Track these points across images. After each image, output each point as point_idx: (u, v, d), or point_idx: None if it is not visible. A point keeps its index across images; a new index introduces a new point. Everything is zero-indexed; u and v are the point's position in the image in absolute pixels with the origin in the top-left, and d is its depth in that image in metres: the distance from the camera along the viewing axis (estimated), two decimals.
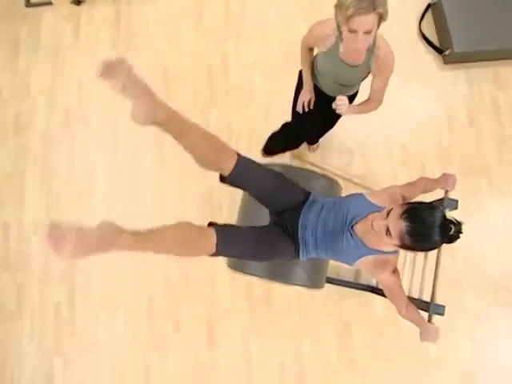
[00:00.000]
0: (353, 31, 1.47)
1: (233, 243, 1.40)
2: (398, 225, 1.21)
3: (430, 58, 3.03)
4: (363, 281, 2.65)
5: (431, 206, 1.24)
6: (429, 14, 3.10)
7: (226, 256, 1.41)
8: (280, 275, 1.88)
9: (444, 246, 1.37)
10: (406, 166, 2.84)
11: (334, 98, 2.04)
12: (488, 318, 2.59)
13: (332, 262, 2.53)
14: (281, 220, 1.63)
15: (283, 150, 2.65)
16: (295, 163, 2.82)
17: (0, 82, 3.18)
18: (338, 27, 1.60)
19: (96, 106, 3.08)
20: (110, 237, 1.10)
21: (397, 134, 2.90)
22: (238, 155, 1.44)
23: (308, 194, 1.66)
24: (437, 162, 2.84)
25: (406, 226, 1.20)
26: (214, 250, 1.33)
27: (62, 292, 2.77)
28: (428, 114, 2.93)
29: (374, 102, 1.92)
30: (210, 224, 1.41)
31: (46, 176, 2.97)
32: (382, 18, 1.46)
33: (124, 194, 2.91)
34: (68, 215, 2.88)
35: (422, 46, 3.05)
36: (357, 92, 2.14)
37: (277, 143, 2.59)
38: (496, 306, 2.60)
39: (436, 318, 1.61)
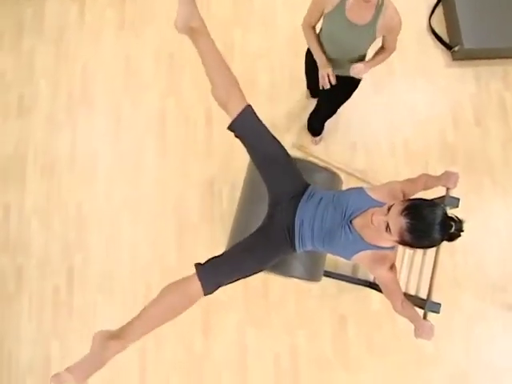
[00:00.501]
0: None
1: (220, 275, 1.41)
2: (399, 221, 1.20)
3: (437, 53, 2.99)
4: (361, 275, 2.64)
5: (432, 204, 1.23)
6: (440, 9, 3.05)
7: (221, 286, 1.42)
8: (277, 267, 1.87)
9: (444, 243, 1.36)
10: (408, 163, 2.82)
11: (340, 77, 2.06)
12: (485, 318, 2.58)
13: (330, 256, 2.52)
14: (277, 211, 1.61)
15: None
16: (297, 154, 2.80)
17: (4, 63, 3.17)
18: None
19: (100, 90, 3.06)
20: (99, 354, 1.25)
21: (400, 131, 2.88)
22: (249, 105, 1.49)
23: (307, 185, 1.64)
24: (440, 160, 2.81)
25: (407, 223, 1.19)
26: (202, 293, 1.37)
27: (60, 275, 2.78)
28: (433, 112, 2.90)
29: (387, 52, 1.97)
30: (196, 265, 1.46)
31: (48, 159, 2.97)
32: None
33: (125, 179, 2.90)
34: (69, 199, 2.88)
35: (430, 40, 3.01)
36: None
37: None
38: (493, 307, 2.59)
39: (434, 317, 1.60)
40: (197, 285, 1.36)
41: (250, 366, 2.58)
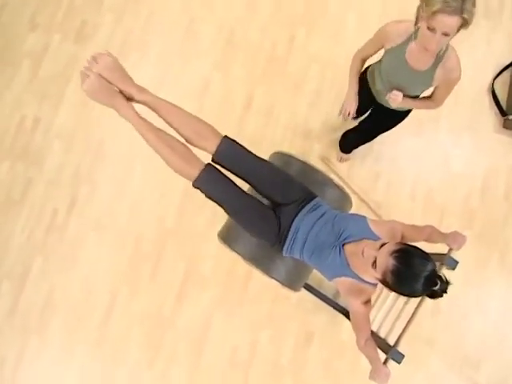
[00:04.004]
0: (431, 29, 1.41)
1: (214, 186, 1.54)
2: (386, 261, 1.21)
3: (490, 115, 2.92)
4: (341, 301, 2.64)
5: (425, 256, 1.23)
6: (508, 73, 2.98)
7: (205, 195, 1.57)
8: (261, 263, 1.88)
9: (430, 301, 1.35)
10: (424, 212, 2.78)
11: (386, 108, 2.05)
12: None
13: (317, 272, 2.53)
14: (278, 210, 1.63)
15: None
16: (319, 166, 2.80)
17: None
18: (416, 22, 1.55)
19: (156, 42, 3.10)
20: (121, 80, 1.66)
21: (428, 178, 2.84)
22: (224, 138, 1.60)
23: (313, 196, 1.65)
24: (456, 220, 2.77)
25: (393, 265, 1.19)
26: (193, 178, 1.52)
27: (63, 199, 2.85)
28: (466, 171, 2.85)
29: (432, 102, 1.89)
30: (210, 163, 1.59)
31: None
32: (464, 24, 1.41)
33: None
34: (94, 133, 2.95)
35: (487, 101, 2.94)
36: (410, 110, 2.11)
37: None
38: (458, 378, 2.55)
39: (395, 366, 1.60)
40: (196, 170, 1.52)
41: (207, 348, 2.62)
